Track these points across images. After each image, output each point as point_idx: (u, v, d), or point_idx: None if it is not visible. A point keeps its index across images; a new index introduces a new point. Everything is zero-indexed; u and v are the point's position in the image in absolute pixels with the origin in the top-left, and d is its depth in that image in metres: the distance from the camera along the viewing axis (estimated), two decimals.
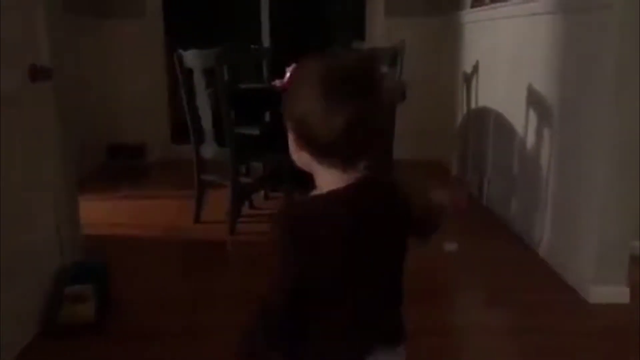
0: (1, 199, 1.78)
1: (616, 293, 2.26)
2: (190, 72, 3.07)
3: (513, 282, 2.53)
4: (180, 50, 3.06)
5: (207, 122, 3.09)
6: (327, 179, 0.94)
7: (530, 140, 2.89)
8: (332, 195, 0.93)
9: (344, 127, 0.87)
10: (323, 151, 0.91)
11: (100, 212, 3.55)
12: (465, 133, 4.08)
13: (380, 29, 4.68)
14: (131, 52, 4.76)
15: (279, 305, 0.92)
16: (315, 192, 0.97)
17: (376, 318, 0.98)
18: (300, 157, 0.96)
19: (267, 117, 3.90)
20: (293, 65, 3.09)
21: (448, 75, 4.46)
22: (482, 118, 3.64)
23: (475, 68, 3.79)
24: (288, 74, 3.06)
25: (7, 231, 1.81)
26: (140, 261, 2.80)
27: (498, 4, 3.32)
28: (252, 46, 4.76)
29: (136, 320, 2.19)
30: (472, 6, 3.88)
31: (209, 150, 3.17)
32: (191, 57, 3.02)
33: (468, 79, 3.96)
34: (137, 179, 4.53)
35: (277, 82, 3.20)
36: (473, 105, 3.91)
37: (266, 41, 4.88)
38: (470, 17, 3.96)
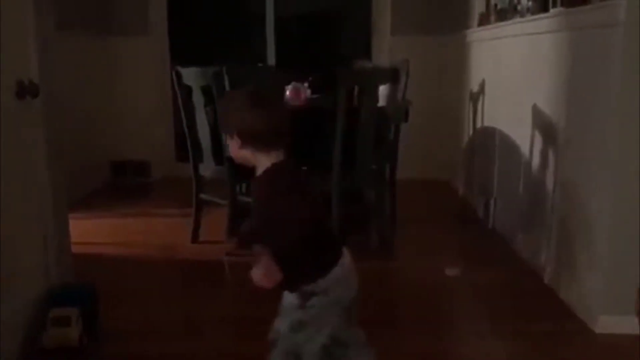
0: None
1: (625, 323, 2.15)
2: (189, 89, 3.03)
3: (517, 310, 2.43)
4: (178, 67, 3.02)
5: (205, 140, 3.04)
6: (266, 162, 1.41)
7: (536, 162, 2.80)
8: (277, 165, 1.41)
9: (274, 124, 1.38)
10: (265, 143, 1.40)
11: (99, 231, 3.51)
12: (471, 153, 4.00)
13: (386, 48, 4.64)
14: (136, 70, 4.76)
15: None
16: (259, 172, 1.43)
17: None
18: (241, 154, 1.43)
19: None
20: (292, 84, 3.05)
21: (455, 95, 4.40)
22: (488, 138, 3.56)
23: (482, 87, 3.72)
24: (287, 92, 3.01)
25: None
26: (134, 283, 2.74)
27: (503, 23, 3.26)
28: (259, 64, 4.75)
29: (124, 345, 2.12)
30: (479, 25, 3.82)
31: (208, 168, 3.12)
32: (189, 75, 2.98)
33: (474, 99, 3.89)
34: (140, 197, 4.50)
35: None
36: (479, 125, 3.83)
37: (272, 60, 4.85)
38: (476, 35, 3.90)
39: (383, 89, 2.95)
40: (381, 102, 2.97)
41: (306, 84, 3.17)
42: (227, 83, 3.22)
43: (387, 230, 3.02)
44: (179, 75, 3.03)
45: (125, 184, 4.80)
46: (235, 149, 1.42)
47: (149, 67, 4.77)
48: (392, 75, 2.87)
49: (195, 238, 3.24)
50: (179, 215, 3.64)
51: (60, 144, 2.31)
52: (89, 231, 3.43)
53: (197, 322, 2.33)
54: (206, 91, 2.94)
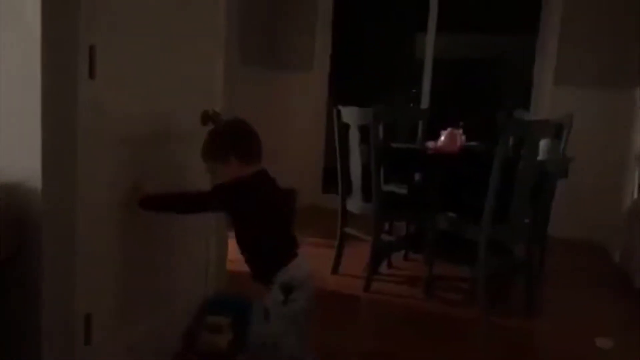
0: (168, 231, 1.95)
1: None
2: (346, 126, 3.16)
3: None
4: (340, 106, 3.17)
5: (356, 176, 3.15)
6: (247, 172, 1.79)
7: None
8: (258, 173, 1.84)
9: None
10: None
11: None
12: (634, 219, 3.71)
13: (548, 99, 4.47)
14: (297, 102, 5.05)
15: None
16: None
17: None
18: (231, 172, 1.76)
19: (417, 177, 3.87)
20: (448, 130, 3.07)
21: (618, 154, 4.13)
22: None
23: None
24: (442, 137, 3.03)
25: (164, 260, 1.97)
26: None
27: None
28: (410, 105, 4.82)
29: None
30: None
31: (355, 204, 3.21)
32: (349, 113, 3.12)
33: None
34: None
35: (431, 144, 3.18)
36: None
37: (425, 102, 4.90)
38: None
39: (543, 143, 2.87)
40: (540, 156, 2.88)
41: (461, 130, 3.17)
42: (381, 124, 3.33)
43: (533, 289, 2.89)
44: (339, 113, 3.18)
45: None
46: (222, 173, 1.76)
47: (308, 101, 5.04)
48: (556, 130, 2.78)
49: (335, 270, 3.33)
50: (321, 245, 3.76)
51: None
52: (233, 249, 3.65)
53: (329, 352, 2.38)
54: (363, 130, 3.05)
